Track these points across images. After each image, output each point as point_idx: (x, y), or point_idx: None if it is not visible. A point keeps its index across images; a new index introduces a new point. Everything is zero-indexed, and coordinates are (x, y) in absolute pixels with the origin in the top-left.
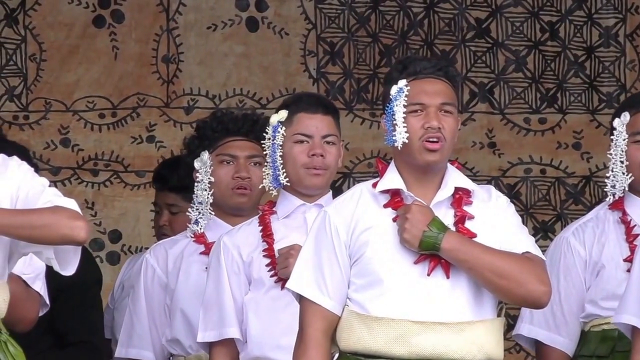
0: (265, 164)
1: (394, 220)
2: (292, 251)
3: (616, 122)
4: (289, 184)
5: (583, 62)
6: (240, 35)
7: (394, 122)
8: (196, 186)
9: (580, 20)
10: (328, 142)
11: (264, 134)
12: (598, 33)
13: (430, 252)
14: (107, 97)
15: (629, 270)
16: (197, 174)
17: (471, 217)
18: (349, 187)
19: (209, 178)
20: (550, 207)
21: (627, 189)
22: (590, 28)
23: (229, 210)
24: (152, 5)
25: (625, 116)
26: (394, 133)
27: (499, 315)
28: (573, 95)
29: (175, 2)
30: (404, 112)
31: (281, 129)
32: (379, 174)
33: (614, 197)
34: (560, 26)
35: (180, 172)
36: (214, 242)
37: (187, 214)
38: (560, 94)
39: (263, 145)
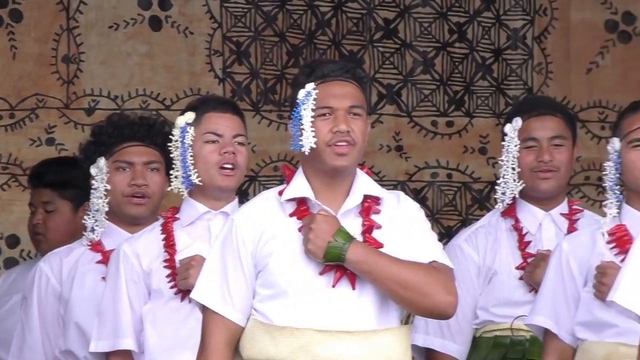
0: (173, 166)
1: (300, 230)
2: (193, 262)
3: (507, 128)
4: (201, 183)
5: (490, 64)
6: (143, 35)
7: (301, 126)
8: (92, 193)
9: (489, 22)
10: (238, 143)
11: (169, 137)
12: (506, 35)
13: (335, 263)
14: (5, 98)
15: (521, 278)
16: (94, 181)
17: (379, 227)
18: (255, 191)
19: (104, 185)
20: (456, 212)
21: (517, 196)
22: (498, 30)
23: (125, 219)
24: (51, 3)
25: (517, 122)
26: (300, 138)
27: (406, 322)
28: (480, 99)
29: (76, 1)
30: (311, 116)
31: (190, 129)
32: (285, 179)
33: (503, 204)
34: (468, 27)
35: (56, 168)
36: (111, 250)
37: (83, 221)
38: (468, 97)
39: (164, 150)
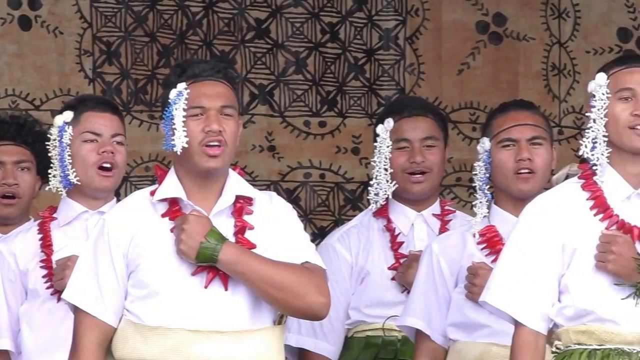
0: (51, 165)
1: (172, 230)
2: (69, 262)
3: (379, 129)
4: (79, 183)
5: (363, 65)
6: (12, 34)
7: (173, 126)
8: None
9: (361, 22)
10: (117, 142)
11: (40, 137)
12: (378, 35)
13: (208, 264)
14: None
15: (393, 279)
16: None
17: (251, 227)
18: (126, 192)
19: None
20: (329, 212)
21: (390, 196)
22: (370, 30)
23: None
24: None
25: (389, 122)
26: (172, 137)
27: (279, 323)
28: (352, 99)
29: None
30: (183, 116)
31: (68, 128)
32: (157, 180)
33: (376, 204)
34: (340, 28)
35: None
36: None
37: None
38: (340, 97)
39: (35, 149)
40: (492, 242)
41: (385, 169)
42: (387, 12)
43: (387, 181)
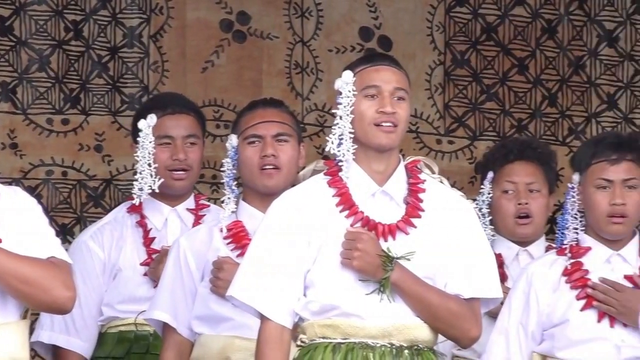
0: None
1: None
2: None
3: (142, 124)
4: None
5: (107, 62)
6: None
7: None
8: None
9: (105, 20)
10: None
11: None
12: (122, 33)
13: None
14: None
15: (145, 274)
16: None
17: None
18: None
19: None
20: (70, 210)
21: (156, 190)
22: (114, 28)
23: None
24: None
25: (152, 118)
26: None
27: (24, 317)
28: (96, 96)
29: None
30: None
31: None
32: None
33: (139, 199)
34: (84, 25)
35: None
36: None
37: None
38: (84, 94)
39: None
40: (237, 237)
41: (149, 164)
42: (131, 10)
43: (152, 176)
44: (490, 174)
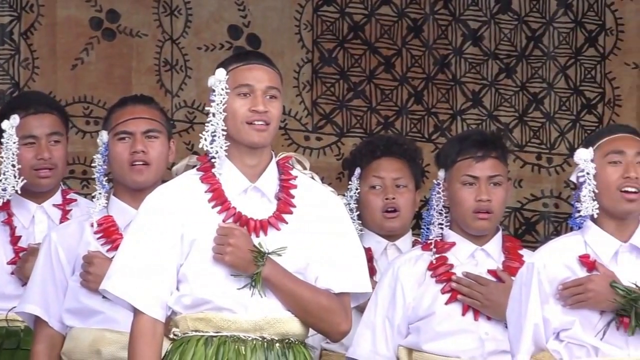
0: None
1: None
2: None
3: (5, 124)
4: None
5: None
6: None
7: None
8: None
9: None
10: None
11: None
12: None
13: None
14: None
15: (13, 273)
16: None
17: None
18: None
19: None
20: None
21: (19, 192)
22: None
23: None
24: None
25: (15, 119)
26: None
27: None
28: None
29: None
30: None
31: None
32: None
33: (3, 199)
34: None
35: None
36: None
37: None
38: None
39: None
40: (108, 231)
41: (13, 165)
42: (2, 7)
43: (15, 177)
44: (357, 170)
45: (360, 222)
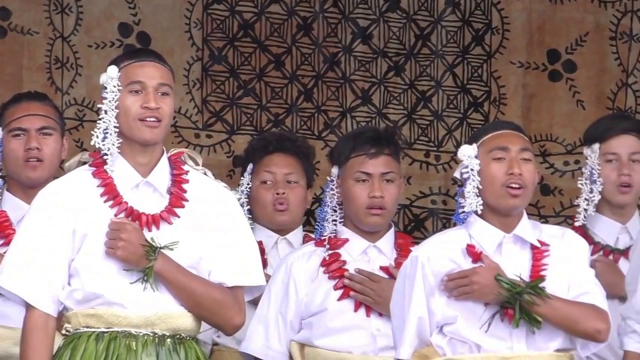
0: None
1: None
2: None
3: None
4: None
5: None
6: None
7: None
8: None
9: None
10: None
11: None
12: None
13: None
14: None
15: None
16: None
17: None
18: None
19: None
20: None
21: None
22: None
23: None
24: None
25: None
26: None
27: None
28: None
29: None
30: None
31: None
32: None
33: None
34: None
35: None
36: None
37: None
38: None
39: None
40: (1, 227)
41: None
42: None
43: None
44: (250, 166)
45: (251, 216)
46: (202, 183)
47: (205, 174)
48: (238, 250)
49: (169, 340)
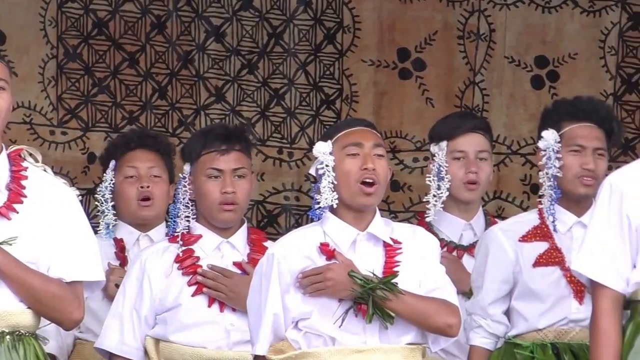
0: None
1: None
2: None
3: None
4: None
5: None
6: None
7: None
8: None
9: None
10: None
11: None
12: None
13: None
14: None
15: None
16: None
17: None
18: None
19: None
20: None
21: None
22: None
23: None
24: None
25: None
26: None
27: None
28: None
29: None
30: None
31: None
32: None
33: None
34: None
35: None
36: None
37: None
38: None
39: None
40: None
41: None
42: None
43: None
44: (112, 162)
45: (115, 212)
46: (41, 179)
47: (45, 170)
48: (77, 246)
49: (8, 337)
